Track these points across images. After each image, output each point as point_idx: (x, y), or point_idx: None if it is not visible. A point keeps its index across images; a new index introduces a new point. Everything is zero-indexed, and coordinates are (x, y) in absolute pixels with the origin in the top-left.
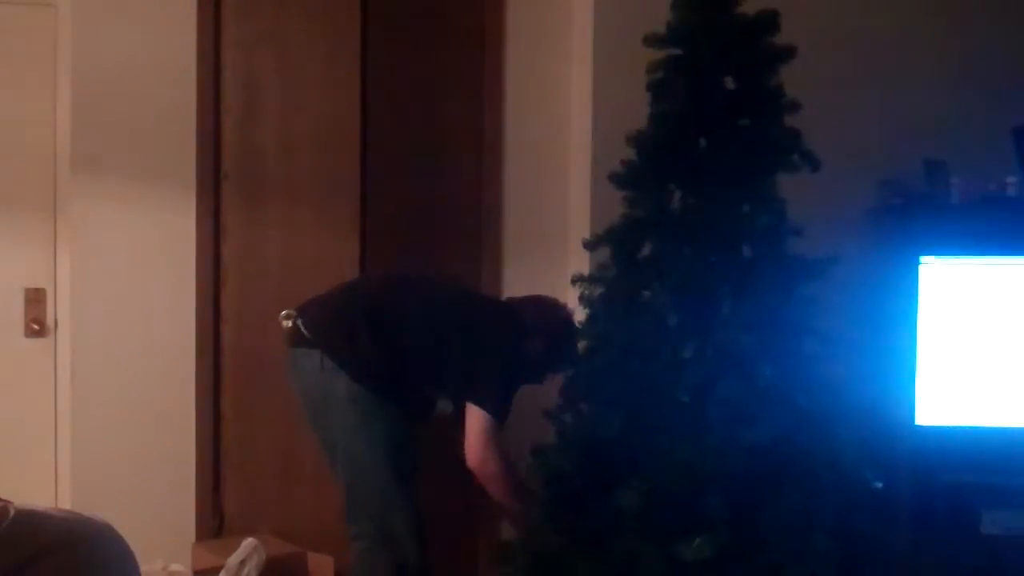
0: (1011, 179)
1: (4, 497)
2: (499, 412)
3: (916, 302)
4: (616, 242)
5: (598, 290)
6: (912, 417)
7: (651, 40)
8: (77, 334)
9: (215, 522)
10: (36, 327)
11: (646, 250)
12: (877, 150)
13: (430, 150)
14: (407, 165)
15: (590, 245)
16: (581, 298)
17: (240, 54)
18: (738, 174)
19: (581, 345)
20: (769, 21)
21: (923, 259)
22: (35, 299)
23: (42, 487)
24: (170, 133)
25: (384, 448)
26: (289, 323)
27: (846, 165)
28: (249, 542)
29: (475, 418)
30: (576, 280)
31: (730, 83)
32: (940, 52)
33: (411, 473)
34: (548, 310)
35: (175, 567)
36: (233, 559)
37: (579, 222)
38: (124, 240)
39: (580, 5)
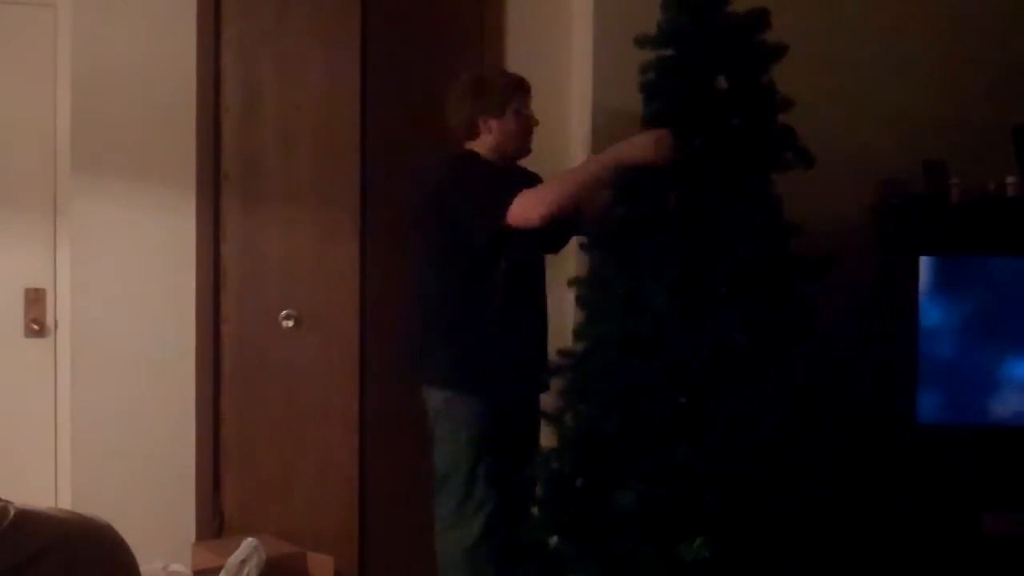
0: (1011, 179)
1: (4, 497)
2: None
3: (916, 302)
4: (614, 242)
5: (596, 290)
6: (912, 417)
7: (642, 41)
8: (77, 334)
9: (215, 522)
10: (36, 327)
11: (644, 250)
12: (877, 150)
13: (430, 150)
14: (407, 165)
15: (588, 245)
16: (578, 299)
17: (240, 54)
18: (733, 173)
19: (580, 346)
20: (759, 19)
21: (923, 259)
22: (35, 299)
23: (42, 487)
24: (170, 133)
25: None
26: (291, 323)
27: (846, 165)
28: (249, 542)
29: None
30: (573, 282)
31: (722, 82)
32: (940, 52)
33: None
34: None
35: (175, 567)
36: (233, 559)
37: None
38: (124, 240)
39: (580, 5)
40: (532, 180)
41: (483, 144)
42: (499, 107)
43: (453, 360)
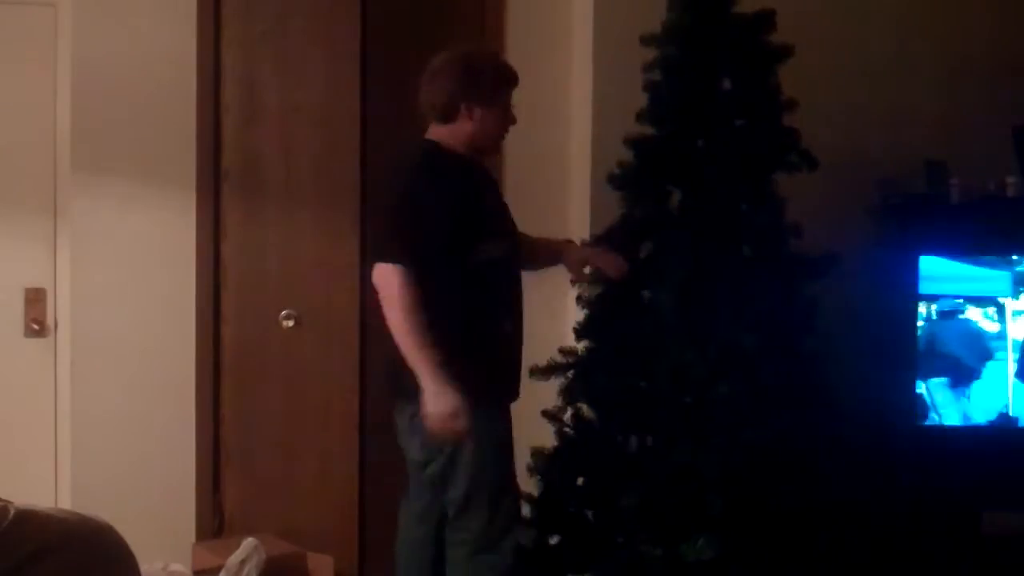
0: (1011, 179)
1: (4, 497)
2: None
3: (916, 302)
4: (615, 243)
5: (597, 290)
6: (912, 417)
7: (648, 40)
8: (77, 334)
9: (215, 522)
10: (36, 327)
11: (645, 250)
12: (877, 150)
13: None
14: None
15: (590, 246)
16: (579, 299)
17: (240, 54)
18: (736, 174)
19: (581, 346)
20: (765, 21)
21: (923, 259)
22: (35, 299)
23: (42, 487)
24: (170, 133)
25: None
26: (291, 323)
27: (846, 165)
28: (249, 542)
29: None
30: (576, 281)
31: (727, 83)
32: (940, 52)
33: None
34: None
35: (175, 567)
36: (233, 559)
37: (579, 222)
38: (124, 240)
39: (580, 5)
40: (495, 184)
41: (457, 132)
42: (491, 95)
43: (466, 369)
